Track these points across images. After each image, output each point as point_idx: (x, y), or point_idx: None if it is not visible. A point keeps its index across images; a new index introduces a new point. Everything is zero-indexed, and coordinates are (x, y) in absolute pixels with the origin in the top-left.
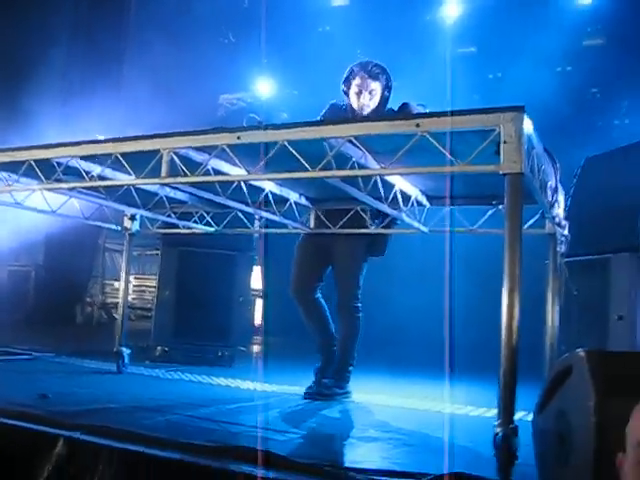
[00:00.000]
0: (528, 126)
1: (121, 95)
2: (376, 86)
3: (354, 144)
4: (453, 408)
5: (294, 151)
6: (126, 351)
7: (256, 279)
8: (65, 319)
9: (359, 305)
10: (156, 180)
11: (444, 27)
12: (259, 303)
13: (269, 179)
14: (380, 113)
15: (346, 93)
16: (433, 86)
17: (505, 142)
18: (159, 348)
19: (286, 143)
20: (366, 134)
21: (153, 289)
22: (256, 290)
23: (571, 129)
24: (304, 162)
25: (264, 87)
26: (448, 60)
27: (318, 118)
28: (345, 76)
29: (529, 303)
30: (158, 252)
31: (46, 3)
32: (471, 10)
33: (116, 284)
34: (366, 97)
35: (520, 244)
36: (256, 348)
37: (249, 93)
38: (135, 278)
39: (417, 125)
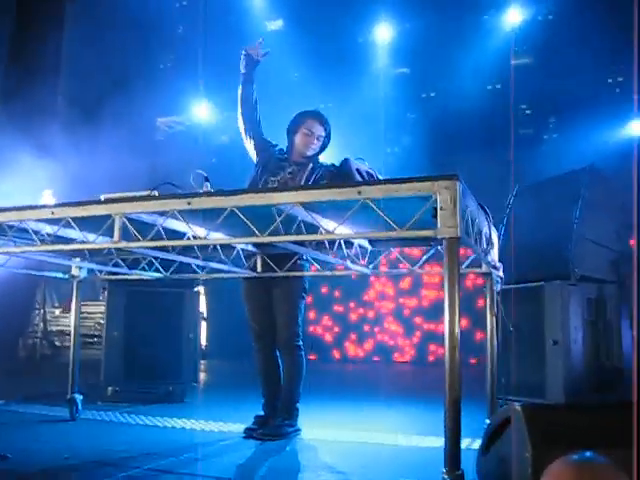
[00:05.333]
0: (463, 191)
1: (59, 121)
2: (322, 132)
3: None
4: (405, 440)
5: (243, 216)
6: (79, 397)
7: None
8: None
9: (300, 344)
10: (109, 245)
11: (377, 49)
12: (203, 326)
13: (220, 243)
14: (317, 157)
15: (290, 133)
16: (367, 107)
17: (441, 208)
18: (110, 388)
19: (235, 209)
20: (313, 200)
21: (99, 315)
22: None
23: (503, 142)
24: (252, 227)
25: (201, 111)
26: (382, 81)
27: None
28: (295, 118)
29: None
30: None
31: None
32: (403, 32)
33: (56, 312)
34: (313, 140)
35: (458, 301)
36: (204, 376)
37: (185, 116)
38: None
39: (359, 192)
